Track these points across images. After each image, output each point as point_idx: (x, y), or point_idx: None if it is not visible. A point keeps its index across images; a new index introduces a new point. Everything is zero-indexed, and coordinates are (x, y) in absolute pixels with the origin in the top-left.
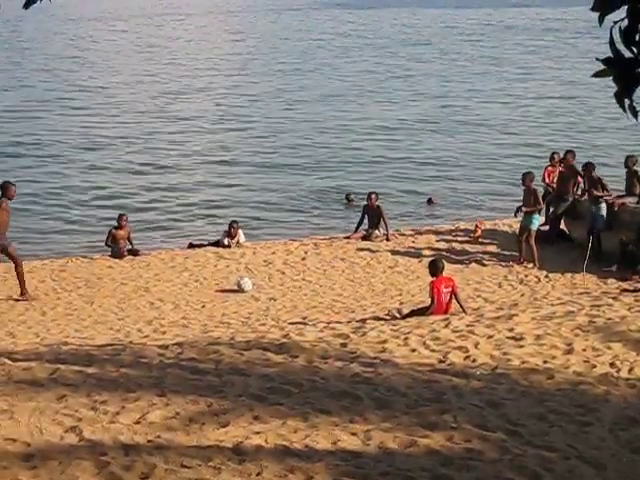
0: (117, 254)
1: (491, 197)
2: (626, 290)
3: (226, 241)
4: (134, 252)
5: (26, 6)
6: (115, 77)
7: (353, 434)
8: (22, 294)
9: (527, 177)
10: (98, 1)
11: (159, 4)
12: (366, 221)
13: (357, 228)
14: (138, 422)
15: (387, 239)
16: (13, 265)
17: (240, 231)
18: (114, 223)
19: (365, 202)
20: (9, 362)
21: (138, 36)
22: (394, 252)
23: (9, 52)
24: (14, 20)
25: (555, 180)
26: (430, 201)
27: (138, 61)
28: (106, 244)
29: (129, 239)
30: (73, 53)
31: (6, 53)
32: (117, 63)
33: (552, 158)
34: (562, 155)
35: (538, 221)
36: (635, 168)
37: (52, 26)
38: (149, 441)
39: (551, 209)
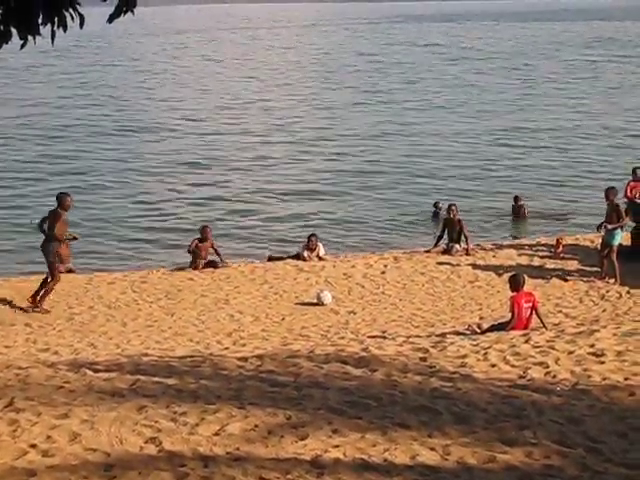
0: (197, 265)
1: (574, 212)
2: None
3: (306, 254)
4: (214, 264)
5: (110, 20)
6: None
7: (432, 449)
8: (37, 302)
9: (610, 192)
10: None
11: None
12: (447, 235)
13: (437, 242)
14: (217, 434)
15: (467, 253)
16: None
17: (320, 244)
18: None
19: (446, 215)
20: (90, 373)
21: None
22: (474, 266)
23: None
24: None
25: (638, 195)
26: (518, 210)
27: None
28: (190, 253)
29: (216, 251)
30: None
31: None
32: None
33: (634, 173)
34: None
35: (620, 237)
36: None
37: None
38: (228, 453)
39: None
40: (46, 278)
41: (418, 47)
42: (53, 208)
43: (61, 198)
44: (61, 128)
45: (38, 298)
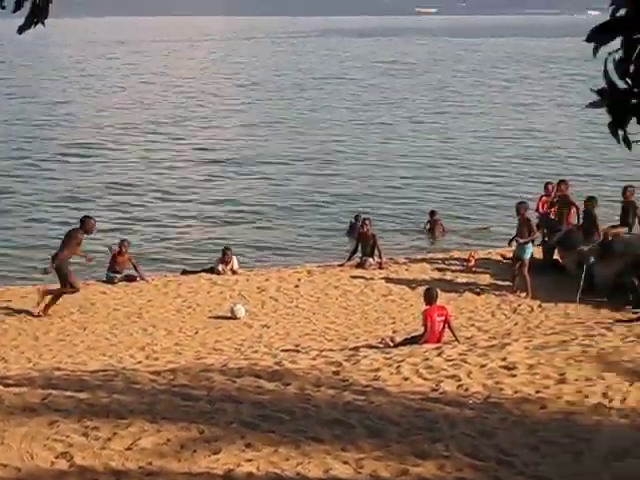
0: (111, 279)
1: (486, 227)
2: (620, 320)
3: (220, 268)
4: (129, 278)
5: (20, 31)
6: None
7: (345, 462)
8: (44, 311)
9: (521, 207)
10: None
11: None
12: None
13: (351, 256)
14: (129, 448)
15: (380, 267)
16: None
17: (234, 257)
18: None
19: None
20: (1, 387)
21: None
22: (388, 280)
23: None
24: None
25: (550, 209)
26: (433, 225)
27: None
28: (108, 269)
29: (133, 265)
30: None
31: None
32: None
33: (546, 188)
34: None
35: (531, 251)
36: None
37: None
38: (140, 467)
39: (545, 239)
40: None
41: (338, 61)
42: (74, 227)
43: (85, 221)
44: None
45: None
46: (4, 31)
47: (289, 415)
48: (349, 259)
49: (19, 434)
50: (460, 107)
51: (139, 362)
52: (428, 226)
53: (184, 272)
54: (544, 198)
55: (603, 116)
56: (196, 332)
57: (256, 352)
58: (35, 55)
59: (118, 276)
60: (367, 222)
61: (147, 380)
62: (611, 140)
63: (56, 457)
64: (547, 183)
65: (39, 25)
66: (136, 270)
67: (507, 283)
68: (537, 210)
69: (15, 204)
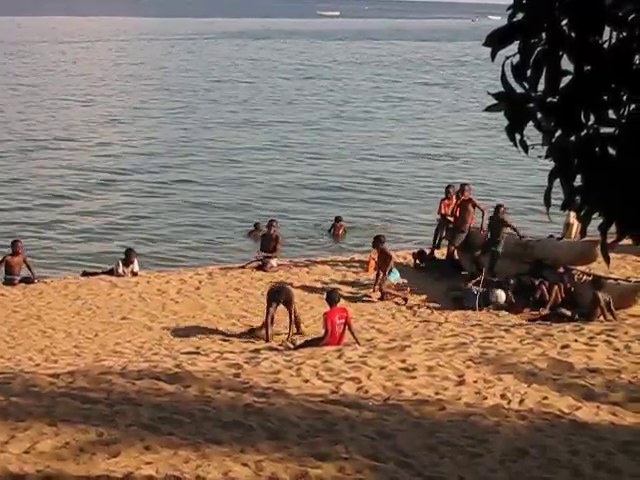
0: (10, 282)
1: (389, 229)
2: (532, 320)
3: (120, 270)
4: (28, 280)
5: None
6: None
7: (244, 464)
8: None
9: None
10: None
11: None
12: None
13: (258, 256)
14: (27, 452)
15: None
16: None
17: (135, 260)
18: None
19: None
20: None
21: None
22: (288, 282)
23: None
24: None
25: (452, 212)
26: (337, 230)
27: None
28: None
29: (28, 266)
30: None
31: None
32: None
33: (447, 191)
34: (457, 188)
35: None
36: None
37: None
38: (38, 471)
39: (448, 240)
40: None
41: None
42: None
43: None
44: None
45: None
46: None
47: (189, 417)
48: (251, 261)
49: None
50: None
51: (37, 365)
52: (332, 230)
53: (84, 274)
54: (445, 201)
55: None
56: (96, 334)
57: (156, 354)
58: None
59: (17, 278)
60: (274, 223)
61: (46, 383)
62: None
63: None
64: (448, 186)
65: None
66: (30, 271)
67: (409, 286)
68: (438, 212)
69: None
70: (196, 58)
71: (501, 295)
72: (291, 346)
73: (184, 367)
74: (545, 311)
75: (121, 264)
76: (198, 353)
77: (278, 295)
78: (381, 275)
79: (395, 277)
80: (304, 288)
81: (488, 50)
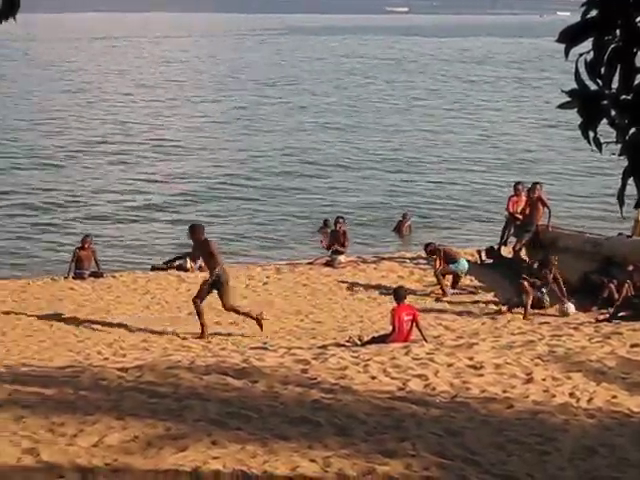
0: (79, 276)
1: (458, 227)
2: (599, 320)
3: (189, 265)
4: (97, 274)
5: None
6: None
7: (312, 460)
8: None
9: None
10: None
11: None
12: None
13: (329, 248)
14: (96, 445)
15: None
16: None
17: None
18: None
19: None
20: None
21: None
22: (356, 279)
23: None
24: None
25: (520, 210)
26: (401, 226)
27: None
28: (70, 265)
29: (95, 260)
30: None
31: None
32: None
33: (516, 188)
34: (528, 186)
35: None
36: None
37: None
38: (106, 464)
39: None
40: None
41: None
42: None
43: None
44: None
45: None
46: None
47: (256, 413)
48: (320, 257)
49: None
50: (427, 108)
51: (106, 358)
52: (398, 226)
53: (153, 268)
54: (514, 198)
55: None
56: (164, 329)
57: (224, 349)
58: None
59: (87, 272)
60: (341, 220)
61: (114, 377)
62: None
63: (22, 453)
64: (516, 183)
65: (10, 20)
66: (97, 266)
67: (476, 283)
68: (507, 209)
69: None
70: (298, 54)
71: (570, 307)
72: (358, 342)
73: (252, 362)
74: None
75: (189, 260)
76: (266, 349)
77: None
78: (439, 266)
79: (461, 267)
80: (371, 284)
81: (557, 46)
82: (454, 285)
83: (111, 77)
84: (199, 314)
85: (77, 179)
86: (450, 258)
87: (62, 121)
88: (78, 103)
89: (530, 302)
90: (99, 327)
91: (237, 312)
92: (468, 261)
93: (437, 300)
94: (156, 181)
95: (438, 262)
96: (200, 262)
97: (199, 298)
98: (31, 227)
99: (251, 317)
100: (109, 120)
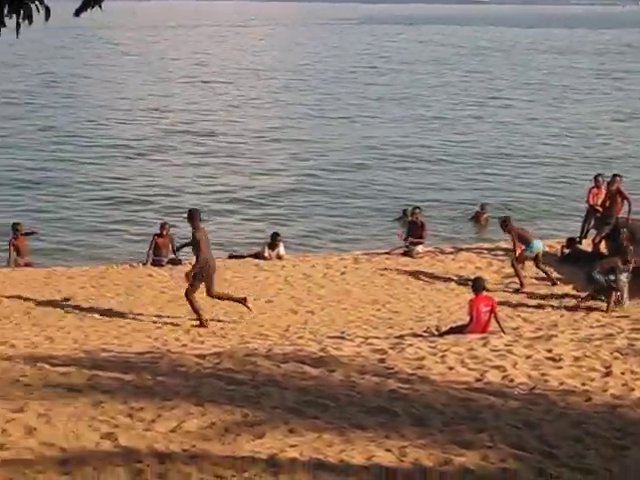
0: (157, 263)
1: (538, 218)
2: None
3: (266, 253)
4: (175, 261)
5: (77, 14)
6: None
7: (388, 450)
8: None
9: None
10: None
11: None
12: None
13: (406, 239)
14: (174, 431)
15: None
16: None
17: (281, 243)
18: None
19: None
20: (47, 367)
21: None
22: (434, 269)
23: None
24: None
25: (600, 202)
26: (479, 217)
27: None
28: (148, 252)
29: (173, 248)
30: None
31: None
32: None
33: (596, 180)
34: (608, 179)
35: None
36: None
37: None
38: (184, 450)
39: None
40: None
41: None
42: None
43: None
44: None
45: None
46: (58, 14)
47: (333, 402)
48: (397, 247)
49: (65, 414)
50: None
51: (184, 345)
52: (476, 217)
53: (231, 256)
54: (594, 190)
55: None
56: (241, 316)
57: (301, 338)
58: (91, 38)
59: (165, 259)
60: (418, 210)
61: (192, 363)
62: None
63: (101, 438)
64: (597, 175)
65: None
66: (174, 253)
67: (555, 275)
68: (587, 202)
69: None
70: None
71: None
72: (435, 333)
73: (329, 351)
74: None
75: (267, 248)
76: (343, 338)
77: None
78: (518, 252)
79: (535, 248)
80: (449, 275)
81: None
82: (537, 265)
83: (197, 66)
84: (193, 306)
85: (160, 170)
86: (523, 240)
87: (152, 111)
88: (168, 92)
89: (614, 297)
90: (177, 314)
91: (221, 298)
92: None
93: (515, 291)
94: (237, 174)
95: (518, 250)
96: (278, 251)
97: (193, 291)
98: (111, 218)
99: (236, 300)
100: (194, 109)
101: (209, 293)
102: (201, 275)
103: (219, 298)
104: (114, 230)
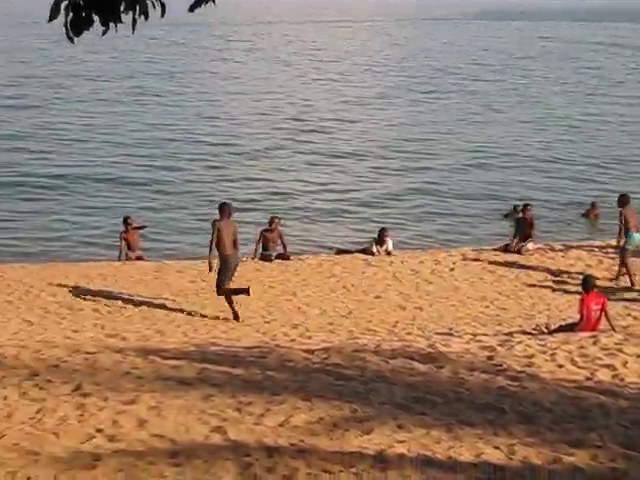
0: (266, 257)
1: None
2: None
3: (374, 249)
4: (284, 256)
5: (191, 9)
6: None
7: (496, 448)
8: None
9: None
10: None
11: None
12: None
13: (513, 240)
14: (282, 425)
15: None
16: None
17: (389, 239)
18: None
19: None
20: (158, 359)
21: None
22: (543, 266)
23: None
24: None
25: None
26: (588, 214)
27: None
28: (256, 246)
29: (282, 242)
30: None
31: None
32: None
33: None
34: None
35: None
36: None
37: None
38: (292, 444)
39: None
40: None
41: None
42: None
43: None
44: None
45: None
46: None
47: (442, 398)
48: (507, 244)
49: (175, 407)
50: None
51: (292, 340)
52: (587, 213)
53: (339, 252)
54: None
55: None
56: (350, 312)
57: (409, 334)
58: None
59: (273, 254)
60: (528, 207)
61: (300, 358)
62: None
63: (210, 431)
64: None
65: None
66: (284, 247)
67: None
68: None
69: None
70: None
71: None
72: (545, 330)
73: (437, 347)
74: None
75: (374, 243)
76: (451, 334)
77: None
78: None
79: (634, 240)
80: (559, 272)
81: None
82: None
83: (319, 62)
84: (229, 300)
85: (273, 170)
86: (625, 225)
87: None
88: (288, 89)
89: None
90: (285, 309)
91: (226, 296)
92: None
93: (626, 289)
94: (349, 174)
95: (621, 240)
96: (386, 247)
97: (222, 285)
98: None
99: (240, 292)
100: (310, 107)
101: (219, 290)
102: (226, 269)
103: (225, 296)
104: None
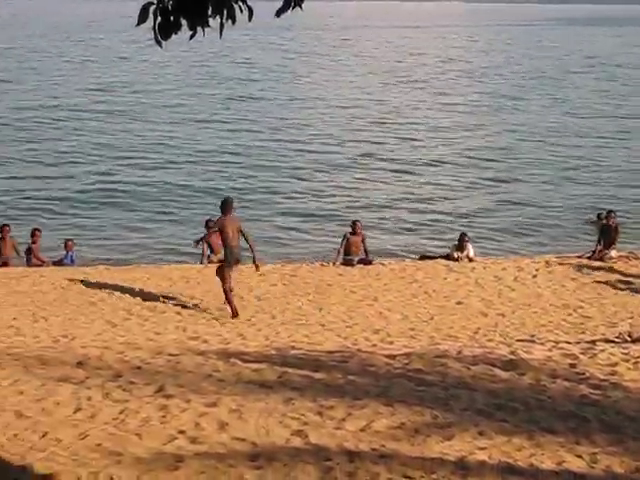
0: (348, 262)
1: None
2: None
3: (456, 254)
4: (366, 261)
5: (278, 14)
6: None
7: (578, 456)
8: None
9: None
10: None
11: None
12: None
13: (595, 248)
14: (363, 430)
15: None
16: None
17: (469, 245)
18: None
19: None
20: (239, 363)
21: None
22: (628, 274)
23: None
24: None
25: None
26: None
27: None
28: (339, 250)
29: (364, 247)
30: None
31: None
32: None
33: None
34: None
35: None
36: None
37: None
38: (373, 449)
39: None
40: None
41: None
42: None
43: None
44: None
45: None
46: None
47: (523, 405)
48: (592, 252)
49: (256, 410)
50: None
51: (374, 345)
52: None
53: (422, 257)
54: None
55: None
56: (431, 318)
57: (491, 341)
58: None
59: (355, 258)
60: (612, 214)
61: (382, 363)
62: None
63: (291, 434)
64: None
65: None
66: (366, 253)
67: None
68: None
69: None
70: None
71: None
72: (628, 339)
73: (519, 355)
74: None
75: (455, 249)
76: (533, 341)
77: None
78: None
79: None
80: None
81: None
82: None
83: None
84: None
85: (356, 182)
86: None
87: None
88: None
89: None
90: (367, 314)
91: (225, 294)
92: None
93: None
94: (431, 184)
95: None
96: (467, 252)
97: (226, 282)
98: (302, 229)
99: (230, 305)
100: (402, 115)
101: (224, 284)
102: (228, 264)
103: (225, 293)
104: (305, 240)
